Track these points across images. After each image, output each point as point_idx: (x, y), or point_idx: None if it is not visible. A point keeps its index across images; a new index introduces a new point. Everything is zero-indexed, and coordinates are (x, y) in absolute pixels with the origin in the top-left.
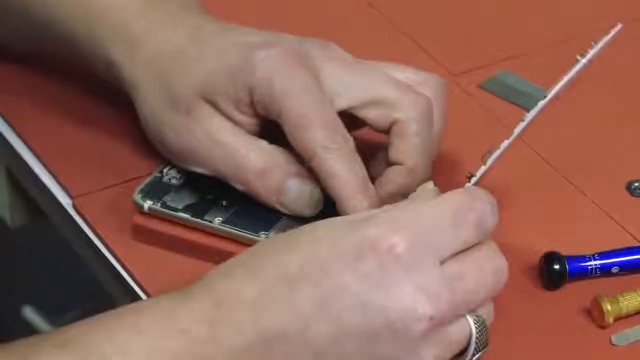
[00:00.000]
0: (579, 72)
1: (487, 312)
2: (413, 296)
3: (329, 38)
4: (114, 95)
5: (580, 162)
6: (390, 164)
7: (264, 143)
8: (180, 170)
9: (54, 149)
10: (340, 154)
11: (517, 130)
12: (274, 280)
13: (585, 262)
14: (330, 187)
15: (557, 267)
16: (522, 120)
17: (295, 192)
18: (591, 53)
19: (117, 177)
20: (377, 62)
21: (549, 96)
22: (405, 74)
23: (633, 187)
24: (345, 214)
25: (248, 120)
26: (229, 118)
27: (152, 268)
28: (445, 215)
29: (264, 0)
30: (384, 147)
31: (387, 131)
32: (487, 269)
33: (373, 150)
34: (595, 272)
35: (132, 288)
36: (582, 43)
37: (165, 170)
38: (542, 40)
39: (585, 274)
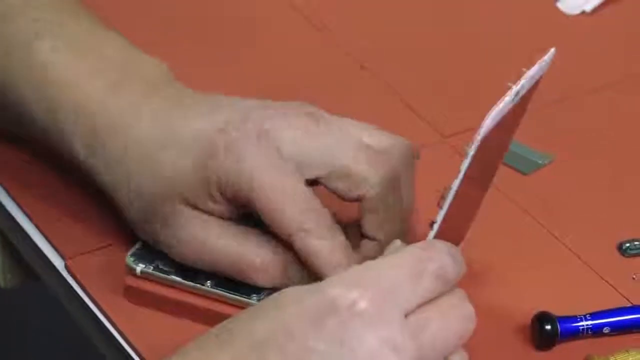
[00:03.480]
0: (513, 101)
1: None
2: (379, 350)
3: (322, 99)
4: None
5: (572, 222)
6: (363, 235)
7: (255, 235)
8: None
9: (46, 210)
10: (319, 232)
11: (464, 167)
12: (244, 348)
13: (577, 322)
14: (313, 267)
15: (548, 327)
16: (466, 157)
17: (297, 277)
18: (523, 80)
19: (109, 239)
20: (343, 122)
21: (484, 128)
22: (372, 138)
23: (624, 247)
24: None
25: (229, 207)
26: (210, 212)
27: (145, 330)
28: (404, 268)
29: (256, 64)
30: (356, 217)
31: (355, 201)
32: (452, 317)
33: (346, 217)
34: (587, 333)
35: (125, 350)
36: (576, 102)
37: None
38: (534, 100)
39: (577, 334)
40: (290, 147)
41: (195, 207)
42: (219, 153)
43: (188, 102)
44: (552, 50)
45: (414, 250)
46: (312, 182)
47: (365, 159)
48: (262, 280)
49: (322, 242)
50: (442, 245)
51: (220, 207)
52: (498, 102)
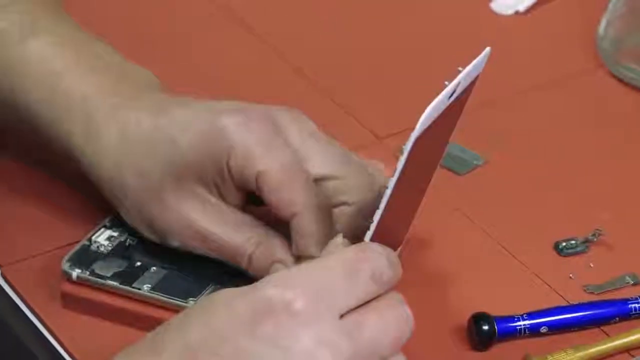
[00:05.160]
0: (451, 99)
1: None
2: (314, 350)
3: (257, 102)
4: (41, 162)
5: (508, 223)
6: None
7: (251, 222)
8: (109, 238)
9: None
10: (320, 214)
11: (400, 165)
12: (177, 353)
13: (514, 322)
14: (305, 246)
15: (486, 327)
16: (401, 154)
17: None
18: (458, 78)
19: (45, 245)
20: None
21: (420, 125)
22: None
23: (560, 247)
24: None
25: (229, 190)
26: (211, 194)
27: (82, 336)
28: (339, 269)
29: (192, 68)
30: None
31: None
32: (388, 318)
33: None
34: (524, 332)
35: (62, 356)
36: (510, 103)
37: (93, 238)
38: (468, 101)
39: (514, 334)
40: (294, 139)
41: (200, 189)
42: (229, 133)
43: (186, 98)
44: (488, 49)
45: (349, 251)
46: None
47: (355, 168)
48: (249, 268)
49: (321, 225)
50: (378, 247)
51: (225, 189)
52: (434, 100)
